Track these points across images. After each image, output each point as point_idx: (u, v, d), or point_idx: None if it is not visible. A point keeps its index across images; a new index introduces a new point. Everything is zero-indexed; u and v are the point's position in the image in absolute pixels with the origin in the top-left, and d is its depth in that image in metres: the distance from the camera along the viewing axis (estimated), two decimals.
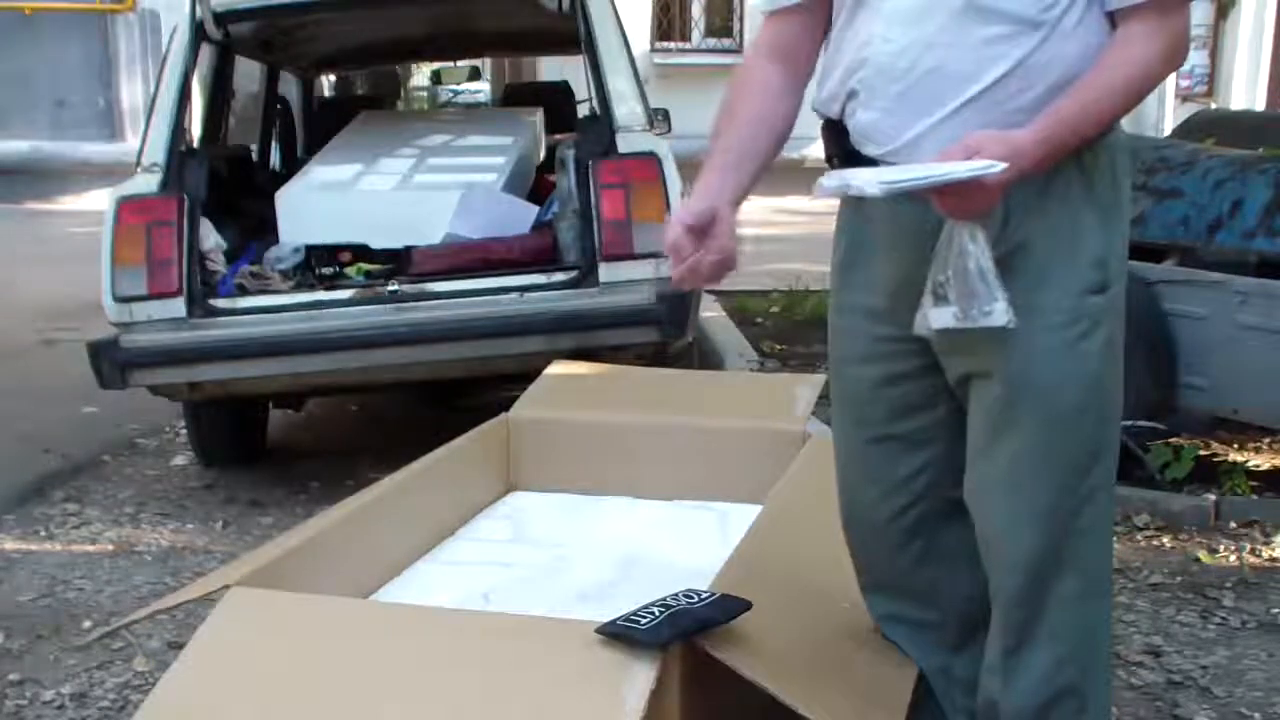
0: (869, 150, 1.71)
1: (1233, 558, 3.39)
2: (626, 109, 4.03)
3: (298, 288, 4.10)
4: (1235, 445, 4.22)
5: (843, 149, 1.75)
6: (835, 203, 1.82)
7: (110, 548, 3.71)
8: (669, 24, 14.83)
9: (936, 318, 1.64)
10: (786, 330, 6.15)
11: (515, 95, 7.24)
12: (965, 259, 1.60)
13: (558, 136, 5.37)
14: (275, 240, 4.37)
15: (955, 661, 1.95)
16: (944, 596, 1.91)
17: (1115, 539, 1.97)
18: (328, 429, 5.10)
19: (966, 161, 1.52)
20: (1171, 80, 13.52)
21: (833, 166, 1.72)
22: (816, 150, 1.77)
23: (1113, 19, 1.63)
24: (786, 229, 9.43)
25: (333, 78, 9.53)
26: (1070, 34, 1.61)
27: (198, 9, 4.14)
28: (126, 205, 3.88)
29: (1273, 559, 3.39)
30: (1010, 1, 1.60)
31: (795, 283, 6.81)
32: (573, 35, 4.20)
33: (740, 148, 1.78)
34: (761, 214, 10.54)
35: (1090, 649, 1.77)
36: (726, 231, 1.71)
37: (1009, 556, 1.73)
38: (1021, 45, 1.61)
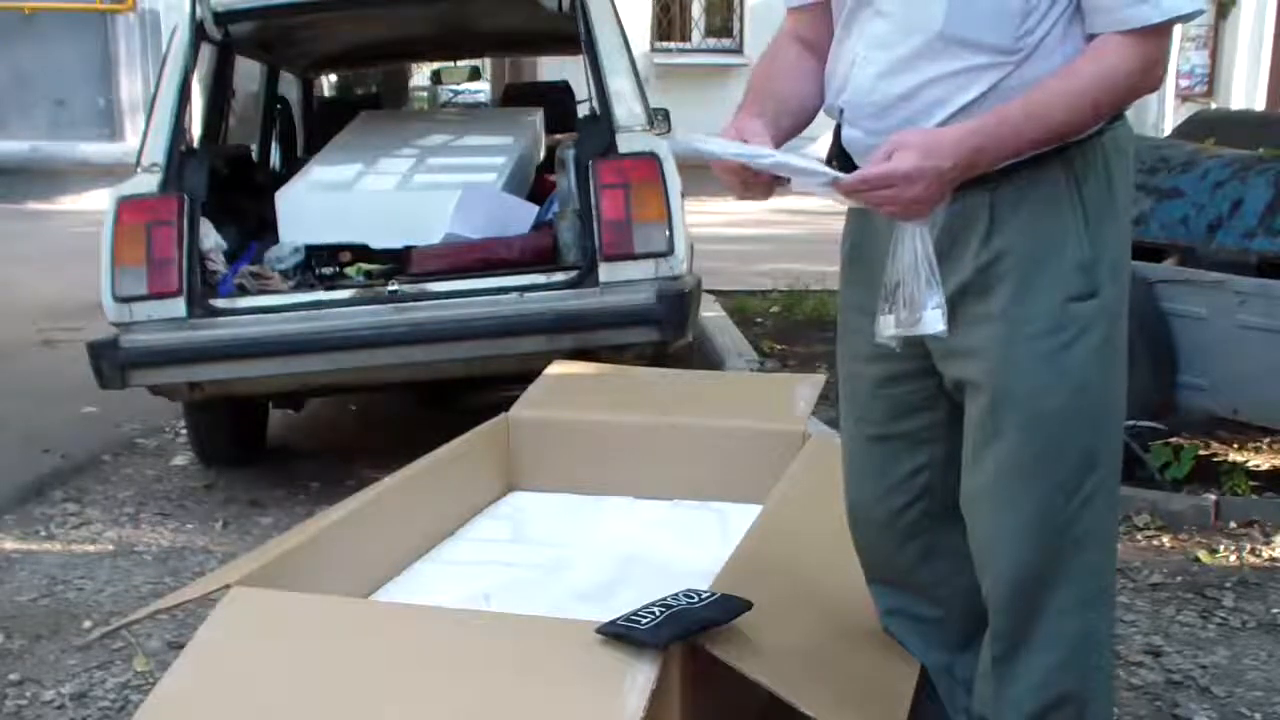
0: (860, 163, 1.71)
1: (1233, 558, 3.39)
2: (626, 109, 4.03)
3: (298, 288, 4.10)
4: (1235, 445, 4.22)
5: (842, 152, 1.76)
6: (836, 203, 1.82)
7: (110, 548, 3.71)
8: (669, 24, 14.84)
9: (883, 325, 1.65)
10: (786, 330, 6.15)
11: (515, 95, 7.24)
12: (903, 262, 1.60)
13: (558, 136, 5.37)
14: (275, 240, 4.37)
15: (958, 661, 1.95)
16: (947, 593, 1.91)
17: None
18: (328, 429, 5.10)
19: (816, 164, 1.56)
20: (1171, 80, 13.55)
21: (832, 168, 1.72)
22: (819, 149, 1.79)
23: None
24: (786, 229, 9.44)
25: (333, 78, 9.52)
26: (1049, 53, 1.59)
27: (198, 9, 4.15)
28: (126, 205, 3.88)
29: (1273, 559, 3.39)
30: (987, 33, 1.59)
31: (795, 283, 6.81)
32: (573, 35, 4.20)
33: (778, 98, 1.78)
34: (761, 214, 10.57)
35: (1089, 655, 1.75)
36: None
37: (997, 568, 1.73)
38: (997, 71, 1.60)
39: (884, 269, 1.66)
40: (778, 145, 1.69)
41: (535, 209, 4.46)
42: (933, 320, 1.60)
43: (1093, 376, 1.67)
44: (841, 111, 1.73)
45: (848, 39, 1.72)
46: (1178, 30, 1.66)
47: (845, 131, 1.73)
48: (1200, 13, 1.60)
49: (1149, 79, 1.59)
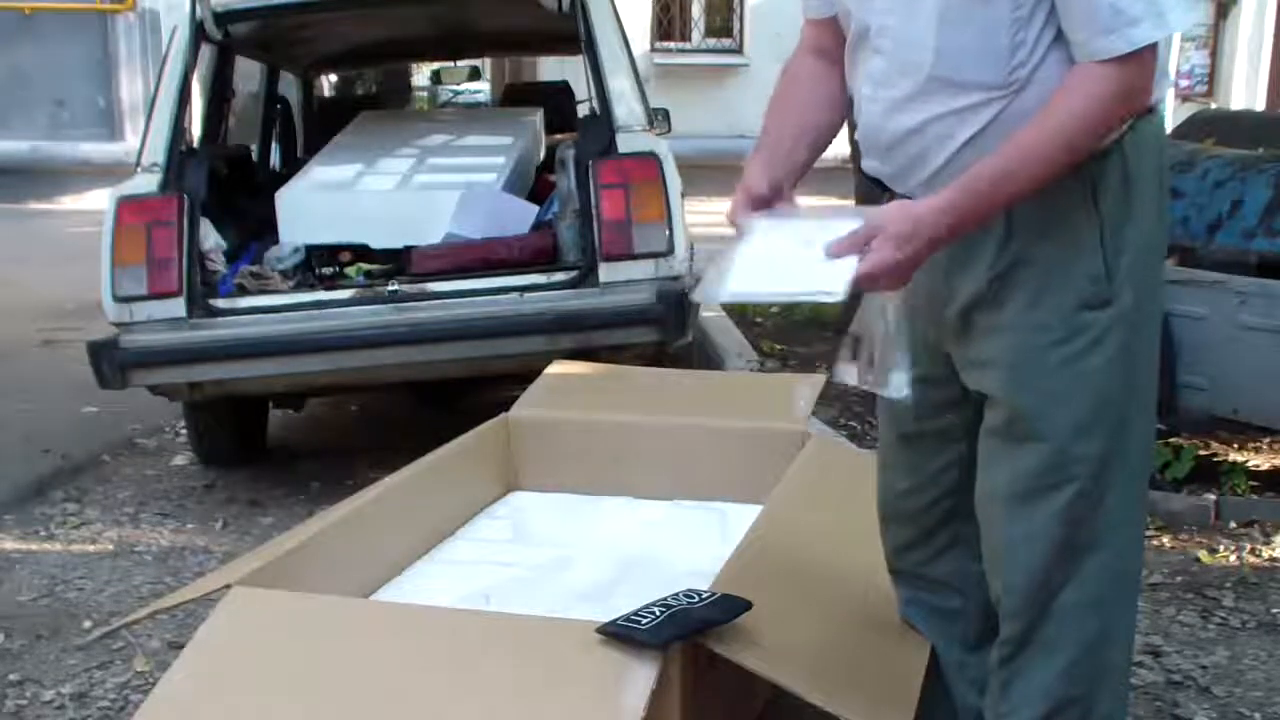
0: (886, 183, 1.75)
1: (1233, 558, 3.39)
2: (626, 109, 4.03)
3: (298, 288, 4.10)
4: (1235, 445, 4.22)
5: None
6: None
7: (110, 548, 3.71)
8: (669, 24, 14.83)
9: (841, 371, 1.70)
10: (786, 330, 6.14)
11: (515, 95, 7.25)
12: (874, 327, 1.65)
13: (558, 136, 5.37)
14: (275, 240, 4.37)
15: (970, 659, 1.96)
16: (969, 583, 1.92)
17: None
18: (328, 429, 5.10)
19: (807, 291, 1.58)
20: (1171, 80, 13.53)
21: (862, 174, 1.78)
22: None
23: None
24: None
25: (333, 78, 9.51)
26: (1047, 78, 1.57)
27: (198, 9, 4.15)
28: (126, 205, 3.88)
29: (1273, 559, 3.39)
30: (977, 73, 1.59)
31: None
32: (573, 35, 4.20)
33: (794, 127, 1.82)
34: None
35: (1098, 659, 1.74)
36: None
37: (1008, 572, 1.73)
38: (995, 105, 1.59)
39: (912, 278, 1.65)
40: (803, 172, 1.78)
41: (535, 209, 4.46)
42: (897, 386, 1.65)
43: (1109, 385, 1.65)
44: (859, 141, 1.75)
45: (854, 68, 1.74)
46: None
47: (865, 162, 1.76)
48: (1172, 32, 1.58)
49: (1130, 104, 1.57)
